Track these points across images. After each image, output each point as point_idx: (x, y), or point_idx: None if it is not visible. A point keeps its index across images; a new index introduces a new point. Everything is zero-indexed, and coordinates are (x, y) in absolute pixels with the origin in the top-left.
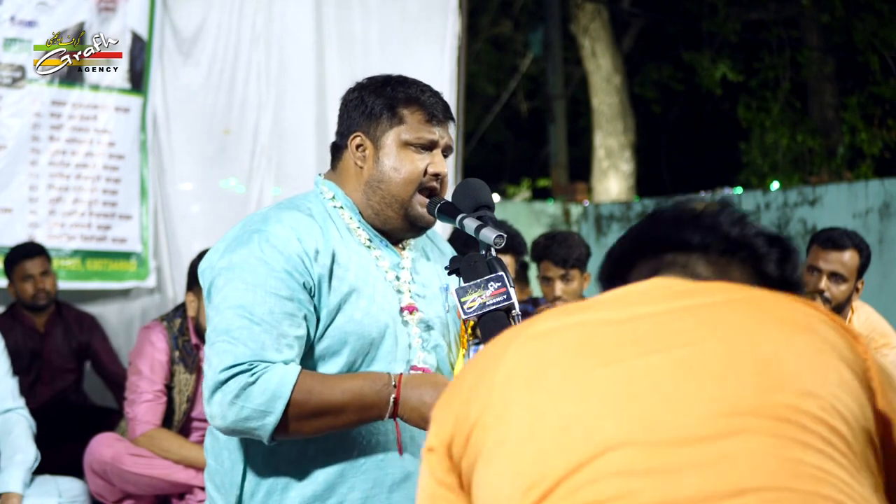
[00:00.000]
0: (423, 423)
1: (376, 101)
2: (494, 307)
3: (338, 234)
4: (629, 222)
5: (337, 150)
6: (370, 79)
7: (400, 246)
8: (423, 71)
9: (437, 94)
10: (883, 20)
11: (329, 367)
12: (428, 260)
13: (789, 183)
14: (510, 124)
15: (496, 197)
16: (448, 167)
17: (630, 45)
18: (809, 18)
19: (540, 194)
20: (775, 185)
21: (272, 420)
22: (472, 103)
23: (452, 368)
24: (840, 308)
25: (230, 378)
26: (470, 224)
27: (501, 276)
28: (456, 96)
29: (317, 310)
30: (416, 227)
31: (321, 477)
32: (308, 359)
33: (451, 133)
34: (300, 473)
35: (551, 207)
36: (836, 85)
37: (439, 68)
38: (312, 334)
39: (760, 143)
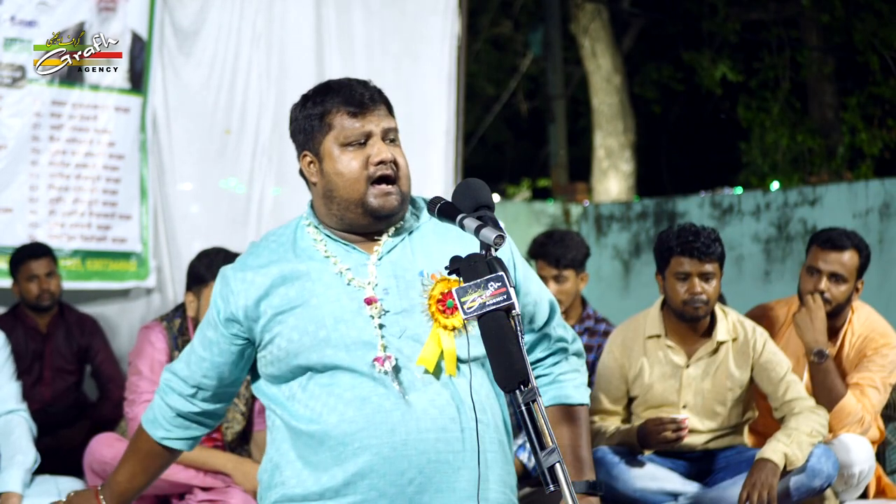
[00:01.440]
0: None
1: (307, 117)
2: (494, 307)
3: (292, 255)
4: (629, 222)
5: (302, 174)
6: (302, 96)
7: (376, 239)
8: (423, 71)
9: (359, 87)
10: (883, 20)
11: (294, 372)
12: (412, 247)
13: (789, 183)
14: (510, 124)
15: (496, 197)
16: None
17: (630, 45)
18: (809, 18)
19: (540, 194)
20: (775, 185)
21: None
22: (472, 103)
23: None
24: (840, 308)
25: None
26: (470, 224)
27: (501, 276)
28: (456, 96)
29: (261, 330)
30: (381, 218)
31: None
32: (273, 368)
33: (388, 116)
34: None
35: (551, 207)
36: (836, 85)
37: (439, 68)
38: (263, 351)
39: (760, 143)
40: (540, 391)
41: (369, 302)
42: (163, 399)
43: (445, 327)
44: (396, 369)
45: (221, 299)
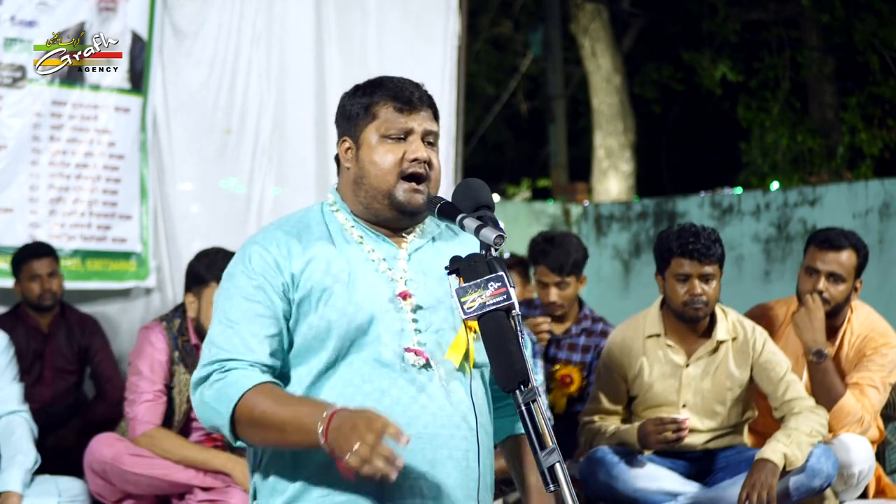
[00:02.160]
0: (344, 450)
1: (354, 104)
2: (494, 307)
3: (326, 236)
4: (629, 222)
5: (336, 159)
6: (354, 86)
7: (403, 236)
8: (423, 71)
9: (410, 86)
10: (883, 20)
11: (320, 354)
12: (435, 247)
13: (789, 183)
14: (510, 124)
15: (496, 197)
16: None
17: (630, 45)
18: (809, 18)
19: (540, 194)
20: (775, 185)
21: (223, 422)
22: (472, 103)
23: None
24: (839, 308)
25: (205, 376)
26: (470, 224)
27: (501, 276)
28: (456, 96)
29: (297, 305)
30: (406, 213)
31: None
32: (298, 348)
33: (432, 120)
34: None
35: (551, 207)
36: (836, 85)
37: (439, 68)
38: (293, 328)
39: (760, 143)
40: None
41: (404, 296)
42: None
43: (470, 328)
44: (426, 364)
45: (271, 267)
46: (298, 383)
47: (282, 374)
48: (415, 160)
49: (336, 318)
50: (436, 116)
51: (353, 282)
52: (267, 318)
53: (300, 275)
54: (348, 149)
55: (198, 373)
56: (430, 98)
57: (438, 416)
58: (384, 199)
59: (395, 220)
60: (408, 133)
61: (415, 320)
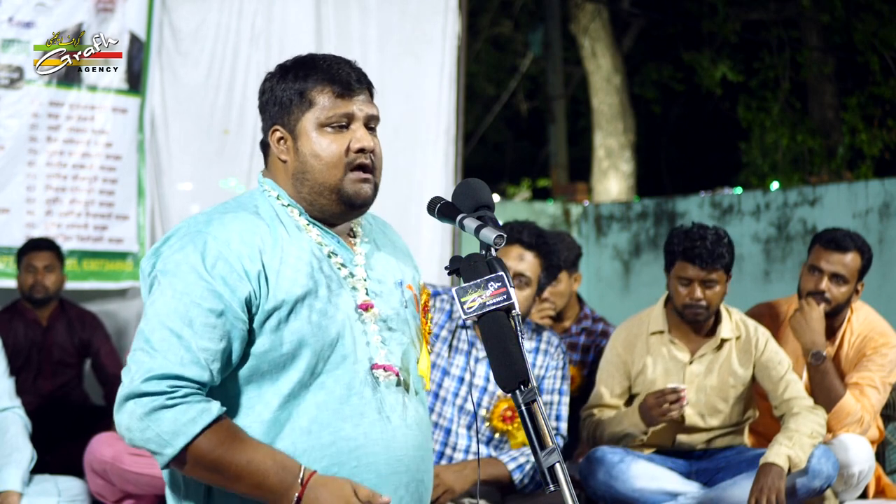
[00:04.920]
0: None
1: (285, 90)
2: (494, 307)
3: (286, 234)
4: (629, 222)
5: (265, 147)
6: (279, 66)
7: (350, 239)
8: (423, 71)
9: (346, 66)
10: (883, 20)
11: (290, 374)
12: (380, 253)
13: (789, 183)
14: (510, 124)
15: (496, 197)
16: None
17: (630, 45)
18: (809, 18)
19: (540, 194)
20: (775, 185)
21: (169, 453)
22: (472, 103)
23: (417, 363)
24: (839, 309)
25: (148, 394)
26: (470, 224)
27: (501, 276)
28: (456, 96)
29: (264, 316)
30: (355, 207)
31: None
32: (261, 366)
33: (371, 103)
34: None
35: (551, 207)
36: (836, 85)
37: (439, 68)
38: (255, 342)
39: (760, 143)
40: None
41: (366, 307)
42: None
43: (426, 342)
44: (397, 381)
45: (236, 272)
46: (265, 406)
47: (223, 392)
48: (361, 150)
49: (309, 332)
50: (372, 96)
51: (322, 290)
52: (218, 331)
53: (271, 281)
54: (281, 139)
55: (135, 385)
56: (366, 77)
57: (409, 437)
58: (331, 195)
59: (341, 215)
60: (350, 119)
61: (380, 333)
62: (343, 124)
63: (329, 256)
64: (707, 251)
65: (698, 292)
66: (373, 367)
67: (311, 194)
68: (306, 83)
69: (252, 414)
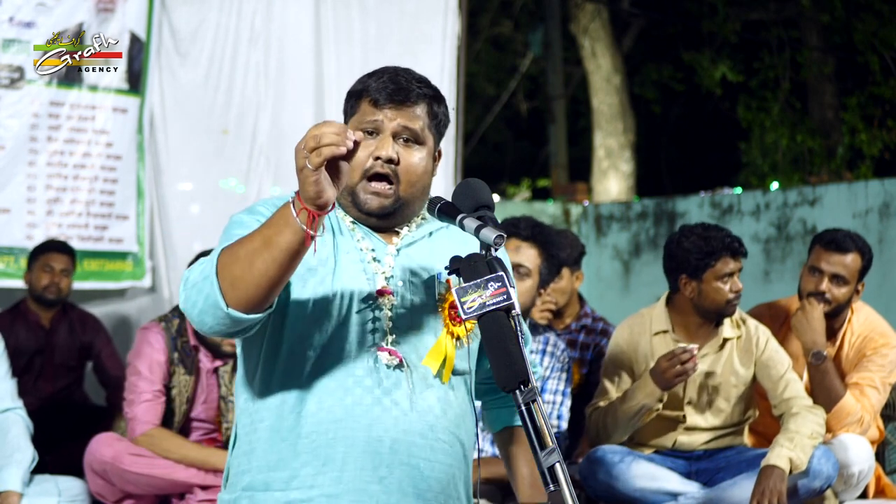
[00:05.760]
0: (301, 163)
1: (352, 92)
2: (494, 307)
3: (326, 220)
4: (629, 222)
5: None
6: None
7: (396, 231)
8: (422, 71)
9: (392, 78)
10: (883, 20)
11: (294, 330)
12: (432, 245)
13: (789, 183)
14: (510, 124)
15: (496, 197)
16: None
17: (630, 45)
18: (809, 18)
19: (540, 194)
20: (775, 185)
21: (211, 284)
22: (472, 103)
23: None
24: (840, 309)
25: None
26: (470, 224)
27: (501, 276)
28: (456, 96)
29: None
30: (369, 215)
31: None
32: (283, 316)
33: (414, 118)
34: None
35: (551, 207)
36: (836, 85)
37: (439, 68)
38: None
39: (760, 143)
40: (491, 416)
41: (381, 293)
42: None
43: (451, 334)
44: (399, 364)
45: (262, 207)
46: (265, 367)
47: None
48: (377, 159)
49: (312, 305)
50: (427, 112)
51: (339, 268)
52: None
53: None
54: None
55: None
56: (419, 93)
57: (401, 420)
58: (348, 197)
59: (360, 219)
60: (376, 129)
61: (392, 319)
62: (369, 130)
63: (358, 242)
64: (738, 241)
65: (738, 283)
66: (379, 349)
67: (340, 195)
68: (359, 89)
69: (273, 383)
